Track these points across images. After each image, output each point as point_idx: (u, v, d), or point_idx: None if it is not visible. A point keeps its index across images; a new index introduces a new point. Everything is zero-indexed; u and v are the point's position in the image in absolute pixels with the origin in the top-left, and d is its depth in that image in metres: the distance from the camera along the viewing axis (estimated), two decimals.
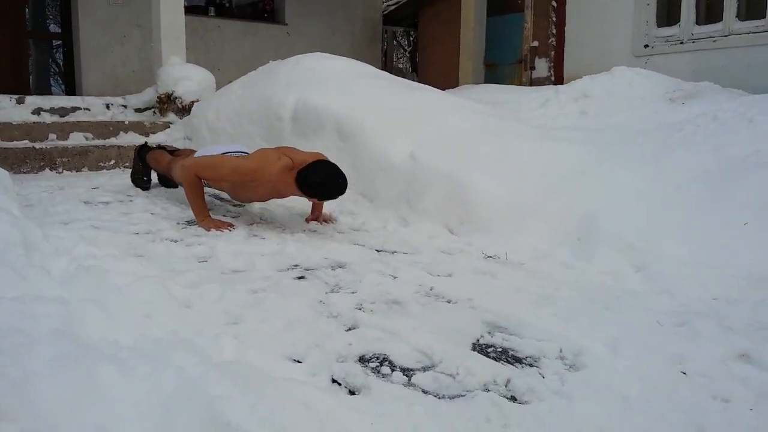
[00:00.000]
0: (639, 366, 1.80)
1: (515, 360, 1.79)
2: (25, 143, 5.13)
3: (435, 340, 1.82)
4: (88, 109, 5.95)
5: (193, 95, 5.96)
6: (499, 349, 1.85)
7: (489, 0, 9.04)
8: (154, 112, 6.16)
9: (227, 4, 9.06)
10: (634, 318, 2.19)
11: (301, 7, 9.62)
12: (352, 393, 1.54)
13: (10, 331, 1.40)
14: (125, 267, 2.25)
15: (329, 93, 4.55)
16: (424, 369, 1.69)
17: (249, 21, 9.19)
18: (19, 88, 6.94)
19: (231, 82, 5.59)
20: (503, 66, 9.32)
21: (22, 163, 4.98)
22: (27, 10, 7.82)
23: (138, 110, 6.24)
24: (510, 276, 2.62)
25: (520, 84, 8.16)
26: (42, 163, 5.07)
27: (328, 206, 3.82)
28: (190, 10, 8.70)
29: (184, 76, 6.03)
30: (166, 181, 4.27)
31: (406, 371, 1.67)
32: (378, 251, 2.96)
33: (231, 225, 3.20)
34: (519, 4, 8.92)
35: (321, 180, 2.97)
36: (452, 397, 1.55)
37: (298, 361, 1.69)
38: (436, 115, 4.33)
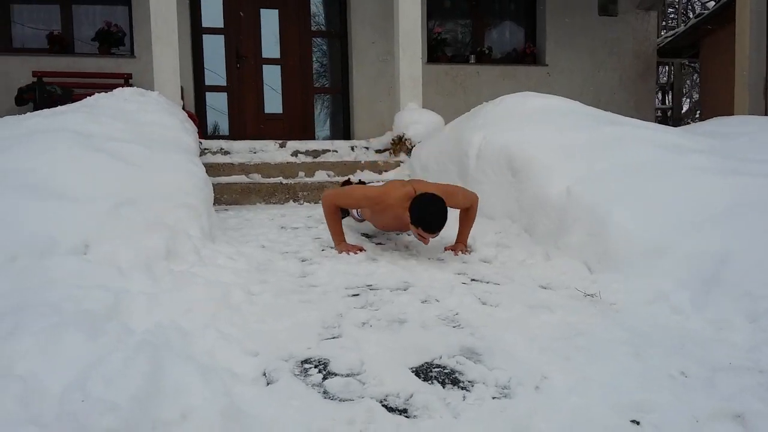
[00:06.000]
0: (584, 407, 1.68)
1: (452, 382, 1.81)
2: (278, 179, 6.20)
3: (384, 355, 1.92)
4: (336, 151, 6.90)
5: (421, 137, 6.49)
6: (447, 371, 1.87)
7: None
8: (390, 153, 6.86)
9: (487, 52, 9.52)
10: (656, 365, 1.96)
11: (563, 47, 9.61)
12: (268, 384, 1.78)
13: (40, 305, 1.96)
14: (217, 275, 2.74)
15: (509, 130, 4.64)
16: (348, 375, 1.82)
17: (507, 65, 9.52)
18: (306, 136, 8.33)
19: None
20: None
21: (272, 195, 6.04)
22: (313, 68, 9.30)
23: (378, 151, 7.01)
24: (572, 313, 2.48)
25: None
26: (287, 196, 6.07)
27: (484, 238, 3.92)
28: (452, 59, 9.41)
29: (414, 120, 6.61)
30: None
31: (329, 375, 1.83)
32: (472, 280, 3.01)
33: (361, 249, 3.54)
34: None
35: (420, 209, 3.15)
36: (342, 400, 1.68)
37: (255, 356, 1.96)
38: (610, 150, 4.12)
